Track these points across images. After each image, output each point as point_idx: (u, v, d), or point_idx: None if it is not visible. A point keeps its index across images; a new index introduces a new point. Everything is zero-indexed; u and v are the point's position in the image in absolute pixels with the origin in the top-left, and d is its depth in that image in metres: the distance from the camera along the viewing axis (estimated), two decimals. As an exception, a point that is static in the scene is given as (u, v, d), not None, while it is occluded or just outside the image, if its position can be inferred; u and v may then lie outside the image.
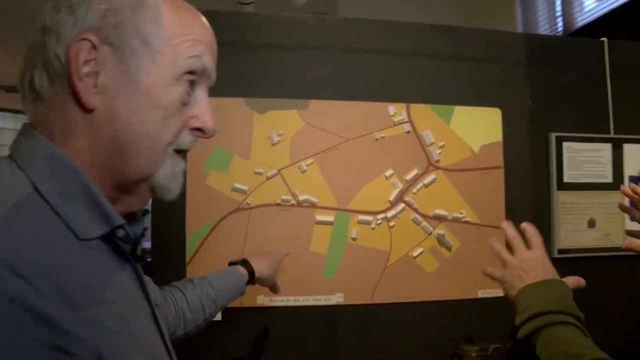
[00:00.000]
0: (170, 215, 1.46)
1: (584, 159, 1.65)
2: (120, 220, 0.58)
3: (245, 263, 1.18)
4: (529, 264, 0.93)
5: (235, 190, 1.49)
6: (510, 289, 0.93)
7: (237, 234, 1.48)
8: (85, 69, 0.55)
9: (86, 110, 0.56)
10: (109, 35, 0.56)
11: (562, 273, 1.62)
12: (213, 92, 1.52)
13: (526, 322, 0.85)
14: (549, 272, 0.93)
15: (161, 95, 0.58)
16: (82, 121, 0.56)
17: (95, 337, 0.49)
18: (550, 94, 1.66)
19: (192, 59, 0.60)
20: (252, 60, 1.52)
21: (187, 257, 1.46)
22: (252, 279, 1.17)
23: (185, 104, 0.61)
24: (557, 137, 1.63)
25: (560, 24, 2.67)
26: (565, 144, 1.64)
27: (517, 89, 1.65)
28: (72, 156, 0.56)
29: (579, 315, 0.86)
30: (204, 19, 0.64)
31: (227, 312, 1.46)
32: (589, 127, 1.66)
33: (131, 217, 0.65)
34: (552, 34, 2.70)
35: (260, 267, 1.20)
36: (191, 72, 0.61)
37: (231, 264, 1.19)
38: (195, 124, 0.63)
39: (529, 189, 1.63)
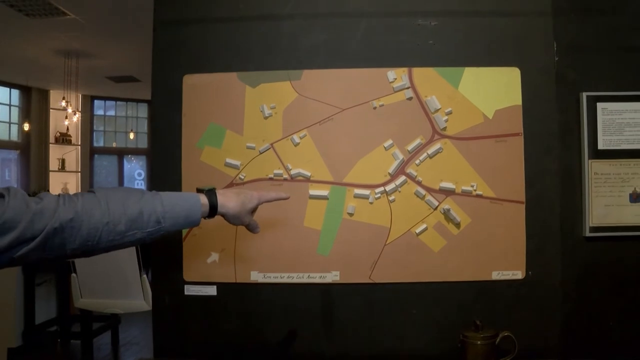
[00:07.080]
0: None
1: (625, 121, 1.41)
2: None
3: (211, 193, 1.06)
4: None
5: (228, 165, 1.47)
6: None
7: (230, 210, 1.46)
8: None
9: None
10: None
11: (595, 255, 1.41)
12: (206, 68, 1.52)
13: None
14: None
15: None
16: None
17: None
18: (582, 47, 1.43)
19: None
20: (244, 33, 1.48)
21: (183, 234, 1.47)
22: (214, 212, 1.06)
23: None
24: (589, 97, 1.41)
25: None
26: (600, 105, 1.41)
27: (541, 44, 1.44)
28: None
29: None
30: None
31: (221, 287, 1.46)
32: (631, 83, 1.41)
33: None
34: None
35: (227, 203, 1.06)
36: None
37: (199, 190, 1.07)
38: None
39: (555, 158, 1.42)
